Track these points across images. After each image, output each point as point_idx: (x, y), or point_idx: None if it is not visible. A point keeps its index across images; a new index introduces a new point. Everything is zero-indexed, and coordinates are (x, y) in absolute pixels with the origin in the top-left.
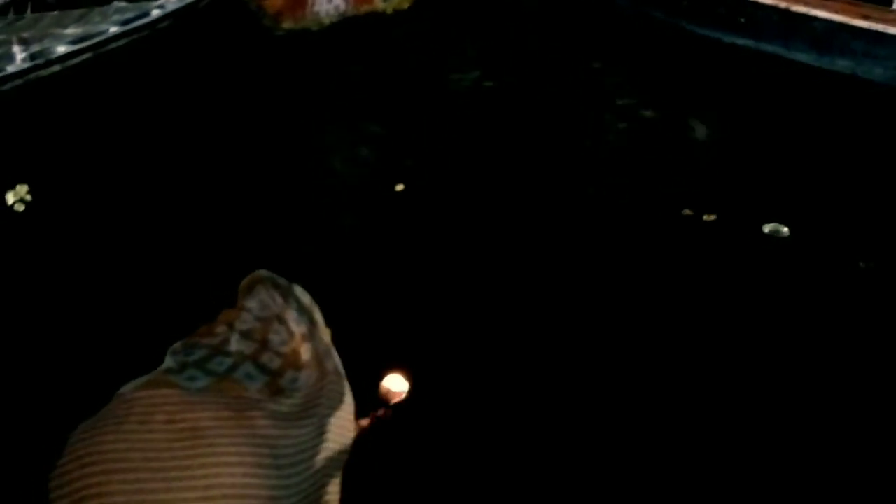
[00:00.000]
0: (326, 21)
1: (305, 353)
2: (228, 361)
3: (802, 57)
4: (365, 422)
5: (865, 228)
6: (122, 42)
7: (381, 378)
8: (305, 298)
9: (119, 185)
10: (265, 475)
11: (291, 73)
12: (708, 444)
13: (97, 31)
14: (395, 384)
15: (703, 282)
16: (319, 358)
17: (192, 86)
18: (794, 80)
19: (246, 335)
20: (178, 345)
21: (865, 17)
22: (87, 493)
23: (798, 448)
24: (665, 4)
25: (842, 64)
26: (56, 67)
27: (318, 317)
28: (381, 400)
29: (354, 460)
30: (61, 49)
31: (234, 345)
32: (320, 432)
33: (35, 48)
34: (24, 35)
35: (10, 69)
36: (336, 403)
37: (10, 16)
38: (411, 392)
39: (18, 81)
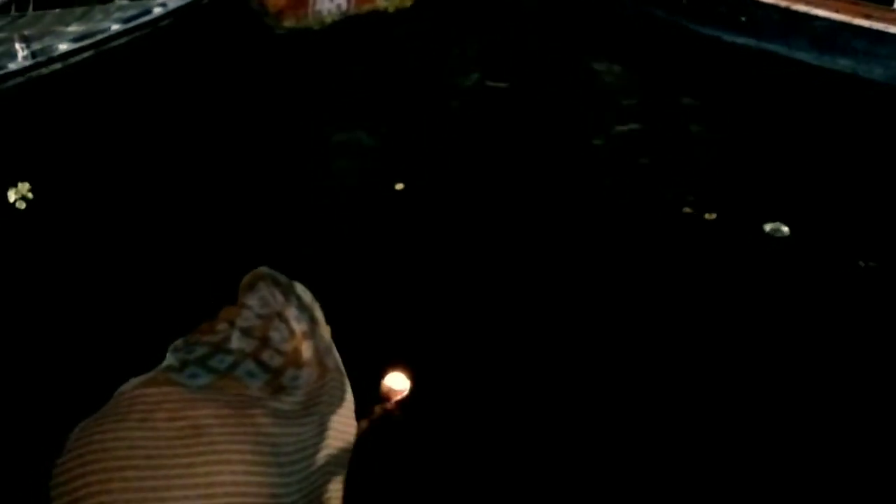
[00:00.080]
0: (328, 20)
1: (306, 350)
2: (229, 359)
3: (803, 56)
4: (366, 421)
5: (865, 227)
6: (123, 40)
7: (382, 375)
8: (306, 296)
9: (120, 183)
10: (266, 473)
11: (293, 72)
12: (708, 442)
13: (99, 28)
14: (397, 382)
15: (704, 280)
16: (320, 355)
17: (194, 84)
18: (795, 79)
19: (247, 332)
20: (179, 342)
21: (866, 17)
22: (88, 490)
23: (798, 444)
24: (666, 3)
25: (843, 63)
26: (58, 65)
27: (319, 314)
28: (383, 398)
29: (357, 458)
30: (63, 47)
31: (235, 342)
32: (321, 430)
33: (37, 46)
34: (26, 32)
35: (12, 67)
36: (337, 401)
37: (12, 13)
38: (412, 390)
39: (20, 79)
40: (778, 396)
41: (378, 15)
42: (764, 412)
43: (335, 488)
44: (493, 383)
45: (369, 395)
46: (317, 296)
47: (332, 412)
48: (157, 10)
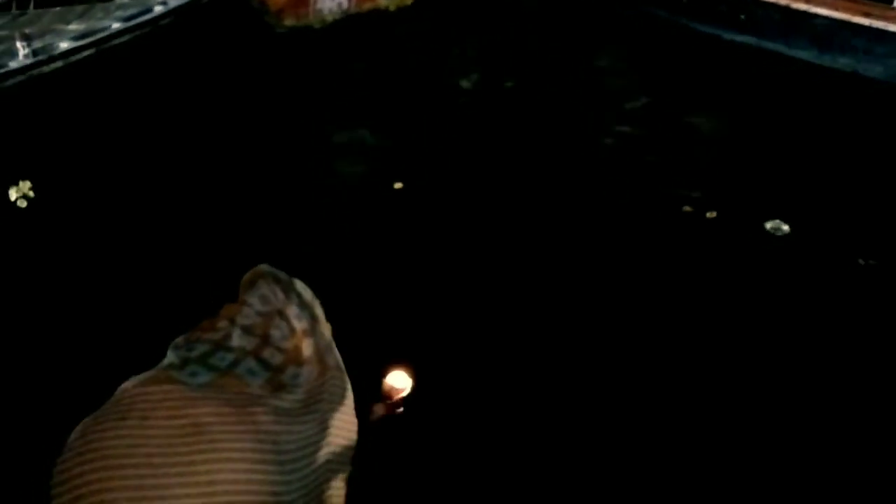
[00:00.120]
0: (329, 18)
1: (307, 348)
2: (230, 357)
3: (803, 54)
4: (369, 420)
5: (865, 225)
6: (124, 38)
7: (382, 373)
8: (306, 293)
9: (121, 181)
10: (267, 471)
11: (293, 71)
12: (710, 439)
13: (100, 27)
14: (399, 381)
15: (705, 278)
16: (320, 353)
17: (194, 83)
18: (795, 77)
19: (247, 330)
20: (179, 339)
21: (866, 15)
22: (89, 489)
23: (798, 441)
24: (666, 2)
25: (842, 61)
26: (58, 63)
27: (319, 312)
28: (385, 397)
29: (360, 457)
30: (64, 45)
31: (236, 340)
32: (322, 428)
33: (38, 44)
34: (27, 31)
35: (13, 65)
36: (338, 399)
37: (13, 11)
38: (414, 388)
39: (21, 77)
40: (779, 393)
41: (379, 13)
42: (765, 409)
43: (337, 486)
44: (494, 381)
45: (369, 393)
46: (317, 293)
47: (333, 410)
48: (158, 9)
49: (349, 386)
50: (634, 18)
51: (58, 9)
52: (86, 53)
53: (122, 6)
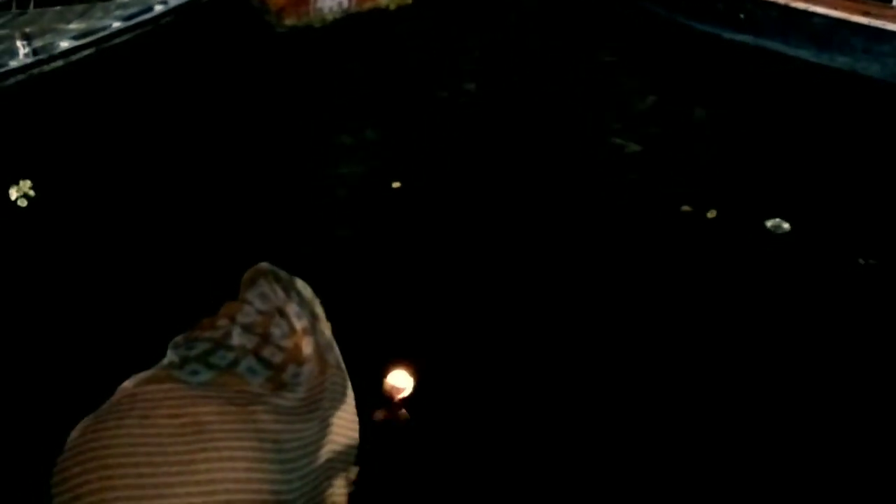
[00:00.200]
0: (329, 17)
1: (307, 346)
2: (230, 356)
3: (802, 53)
4: (371, 420)
5: (865, 224)
6: (124, 38)
7: (381, 372)
8: (306, 292)
9: (121, 180)
10: (267, 469)
11: (293, 70)
12: (711, 438)
13: (100, 26)
14: (400, 381)
15: (705, 277)
16: (321, 351)
17: (195, 82)
18: (794, 76)
19: (247, 328)
20: (179, 338)
21: (865, 14)
22: (89, 488)
23: (798, 440)
24: (665, 1)
25: (841, 60)
26: (59, 62)
27: (320, 310)
28: (386, 397)
29: (362, 457)
30: (64, 44)
31: (236, 338)
32: (323, 427)
33: (38, 43)
34: (27, 30)
35: (13, 64)
36: (339, 398)
37: (14, 10)
38: (416, 388)
39: (21, 76)
40: (779, 392)
41: (379, 12)
42: (766, 408)
43: (340, 484)
44: (495, 381)
45: (369, 393)
46: (317, 292)
47: (334, 409)
48: (158, 8)
49: (349, 385)
50: (633, 17)
51: (58, 8)
52: (86, 53)
53: (122, 5)
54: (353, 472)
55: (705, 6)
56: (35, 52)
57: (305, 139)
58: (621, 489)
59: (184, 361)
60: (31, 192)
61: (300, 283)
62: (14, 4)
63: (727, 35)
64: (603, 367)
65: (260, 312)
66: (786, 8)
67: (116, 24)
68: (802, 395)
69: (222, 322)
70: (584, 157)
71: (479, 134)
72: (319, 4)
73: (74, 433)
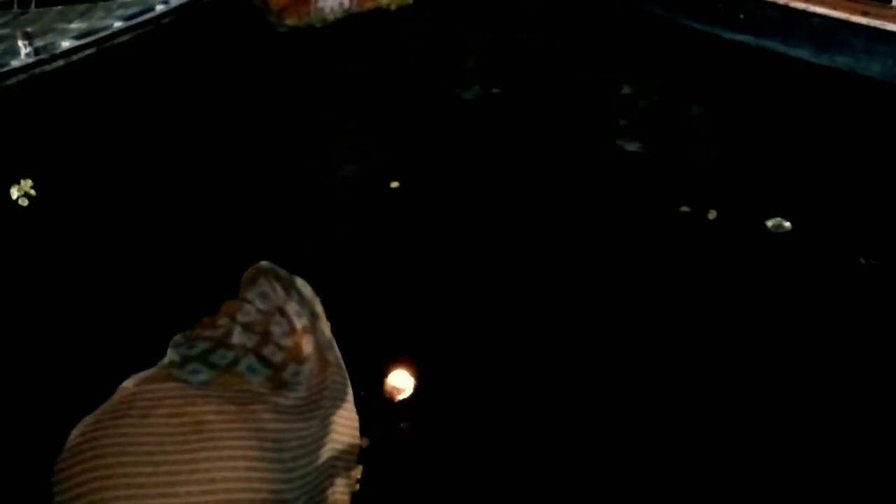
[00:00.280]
0: (330, 17)
1: (307, 345)
2: (231, 355)
3: (802, 53)
4: (371, 421)
5: (866, 224)
6: (125, 37)
7: (381, 371)
8: (307, 291)
9: (122, 180)
10: (268, 469)
11: (294, 71)
12: (711, 438)
13: (101, 26)
14: (400, 381)
15: (706, 277)
16: (321, 350)
17: (196, 82)
18: (794, 76)
19: (248, 327)
20: (179, 337)
21: (864, 14)
22: (89, 487)
23: (798, 440)
24: (665, 0)
25: (841, 60)
26: (60, 62)
27: (320, 309)
28: (386, 397)
29: (363, 458)
30: (65, 44)
31: (237, 337)
32: (324, 426)
33: (39, 43)
34: (29, 30)
35: (15, 64)
36: (339, 397)
37: (14, 10)
38: (416, 389)
39: (22, 76)
40: (779, 392)
41: (380, 13)
42: (766, 408)
43: (341, 483)
44: (495, 380)
45: (370, 391)
46: (317, 291)
47: (335, 408)
48: (160, 8)
49: (349, 384)
50: (633, 17)
51: (59, 8)
52: (87, 52)
53: (123, 5)
54: (355, 471)
55: (705, 6)
56: (36, 51)
57: (306, 138)
58: (621, 489)
59: (184, 360)
60: (33, 192)
61: (300, 282)
62: (15, 4)
63: (727, 35)
64: (604, 367)
65: (260, 311)
66: (786, 8)
67: (118, 24)
68: (803, 395)
69: (222, 321)
70: (583, 157)
71: (478, 134)
72: (320, 4)
73: (74, 433)
